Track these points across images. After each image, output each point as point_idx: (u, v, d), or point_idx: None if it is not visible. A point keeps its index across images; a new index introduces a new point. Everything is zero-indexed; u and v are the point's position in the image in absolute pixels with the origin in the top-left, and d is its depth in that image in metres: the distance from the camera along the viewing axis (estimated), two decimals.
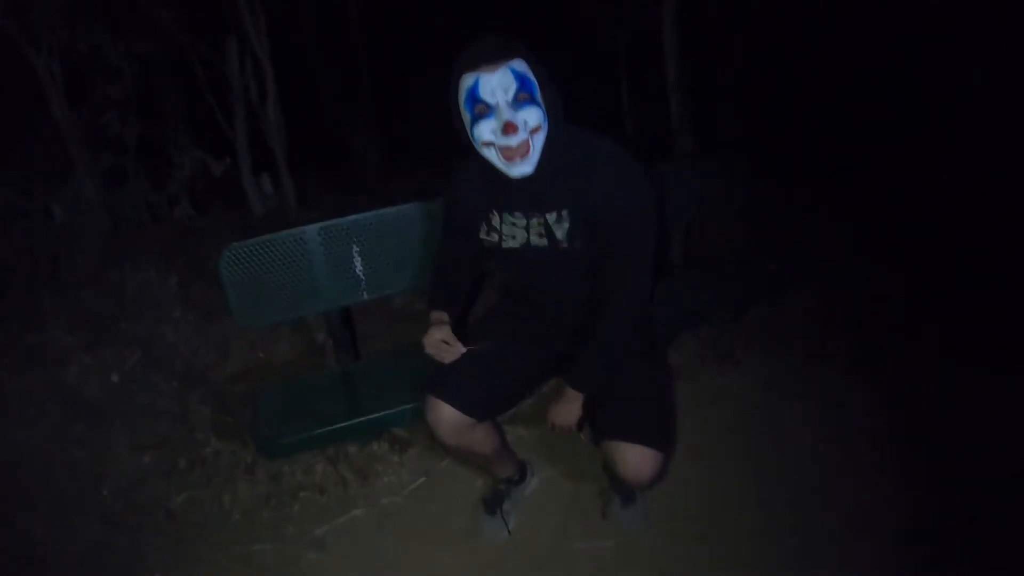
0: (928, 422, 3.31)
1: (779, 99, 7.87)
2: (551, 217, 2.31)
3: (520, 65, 2.13)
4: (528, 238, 2.36)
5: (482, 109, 2.14)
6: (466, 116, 2.20)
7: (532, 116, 2.15)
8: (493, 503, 2.95)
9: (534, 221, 2.34)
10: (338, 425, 2.88)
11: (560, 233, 2.31)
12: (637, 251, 2.33)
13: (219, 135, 6.83)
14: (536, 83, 2.16)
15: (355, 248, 3.18)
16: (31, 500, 3.28)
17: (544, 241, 2.35)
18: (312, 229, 3.15)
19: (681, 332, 4.10)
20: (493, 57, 2.11)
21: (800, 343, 4.09)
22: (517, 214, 2.36)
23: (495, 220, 2.42)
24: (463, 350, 2.42)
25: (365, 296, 3.28)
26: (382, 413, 2.92)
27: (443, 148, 3.13)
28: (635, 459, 2.34)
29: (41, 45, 5.53)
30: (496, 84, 2.10)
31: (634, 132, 9.11)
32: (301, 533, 3.03)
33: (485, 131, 2.17)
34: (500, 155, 2.20)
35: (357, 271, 3.20)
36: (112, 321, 4.47)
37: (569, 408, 2.47)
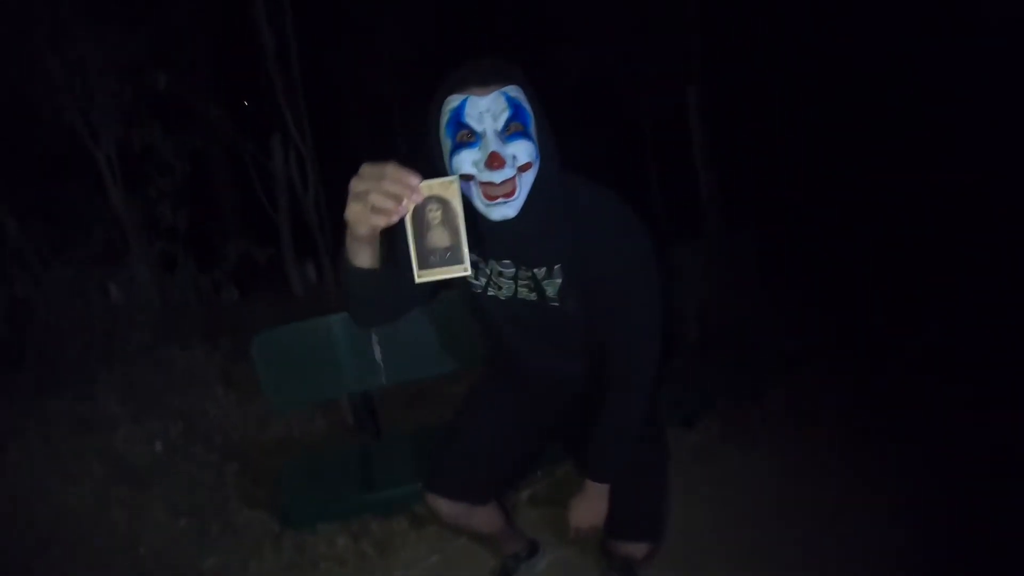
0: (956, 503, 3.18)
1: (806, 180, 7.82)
2: (540, 272, 1.95)
3: (515, 92, 1.73)
4: (516, 289, 2.02)
5: (465, 136, 1.71)
6: (446, 144, 1.76)
7: (523, 151, 1.72)
8: None
9: (522, 272, 1.96)
10: (354, 499, 3.04)
11: (551, 290, 1.98)
12: (644, 320, 2.05)
13: (265, 221, 7.12)
14: (531, 115, 1.76)
15: (375, 337, 3.35)
16: (72, 553, 3.44)
17: (533, 296, 2.02)
18: (336, 318, 3.34)
19: (699, 412, 4.06)
20: (486, 79, 1.71)
21: (821, 421, 4.02)
22: (505, 261, 1.97)
23: (483, 264, 2.02)
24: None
25: (384, 381, 3.44)
26: (397, 490, 3.07)
27: None
28: (630, 549, 2.39)
29: (101, 140, 5.81)
30: (485, 109, 1.69)
31: (663, 209, 9.17)
32: None
33: (466, 162, 1.72)
34: (480, 193, 1.74)
35: (376, 358, 3.37)
36: (159, 394, 4.66)
37: (594, 506, 2.23)
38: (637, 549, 2.39)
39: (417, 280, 1.52)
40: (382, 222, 1.49)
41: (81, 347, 5.32)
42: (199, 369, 4.95)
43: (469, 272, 1.54)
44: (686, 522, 3.18)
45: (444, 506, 2.43)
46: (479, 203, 1.75)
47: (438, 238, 1.51)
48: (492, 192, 1.72)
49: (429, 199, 1.50)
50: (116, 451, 4.21)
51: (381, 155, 1.56)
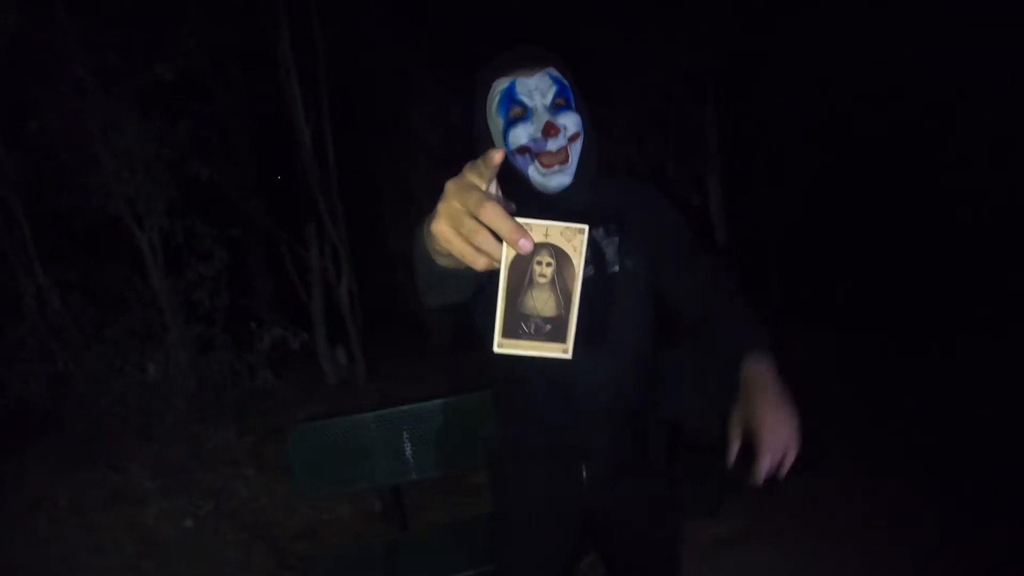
0: None
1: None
2: (598, 233, 1.87)
3: (557, 72, 1.81)
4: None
5: (519, 112, 1.78)
6: (498, 122, 1.82)
7: (572, 122, 1.78)
8: None
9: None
10: None
11: (611, 251, 1.87)
12: (713, 258, 1.96)
13: (300, 308, 7.25)
14: (572, 92, 1.83)
15: (405, 434, 3.42)
16: None
17: (591, 269, 1.84)
18: (368, 417, 3.42)
19: (721, 501, 4.06)
20: (530, 62, 1.80)
21: (839, 515, 3.97)
22: None
23: None
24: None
25: (414, 476, 3.50)
26: None
27: None
28: None
29: (144, 227, 5.99)
30: (534, 87, 1.77)
31: None
32: None
33: (522, 135, 1.78)
34: (537, 164, 1.78)
35: (407, 455, 3.43)
36: (191, 472, 4.73)
37: (782, 406, 1.62)
38: None
39: (496, 350, 1.10)
40: (480, 264, 0.98)
41: (117, 422, 5.42)
42: (230, 449, 5.05)
43: (569, 356, 1.10)
44: None
45: None
46: (536, 175, 1.78)
47: (541, 304, 1.08)
48: (549, 161, 1.76)
49: (541, 247, 1.03)
50: (146, 525, 4.30)
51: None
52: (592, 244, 1.79)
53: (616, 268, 1.85)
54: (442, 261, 1.18)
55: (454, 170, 1.03)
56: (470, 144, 1.85)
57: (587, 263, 1.22)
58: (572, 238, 1.03)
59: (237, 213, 6.83)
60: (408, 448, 3.42)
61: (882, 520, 3.87)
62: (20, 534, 4.26)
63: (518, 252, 0.98)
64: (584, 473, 1.97)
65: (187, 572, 3.91)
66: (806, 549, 3.69)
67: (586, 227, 1.03)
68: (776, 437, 1.58)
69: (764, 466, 1.58)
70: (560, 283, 1.06)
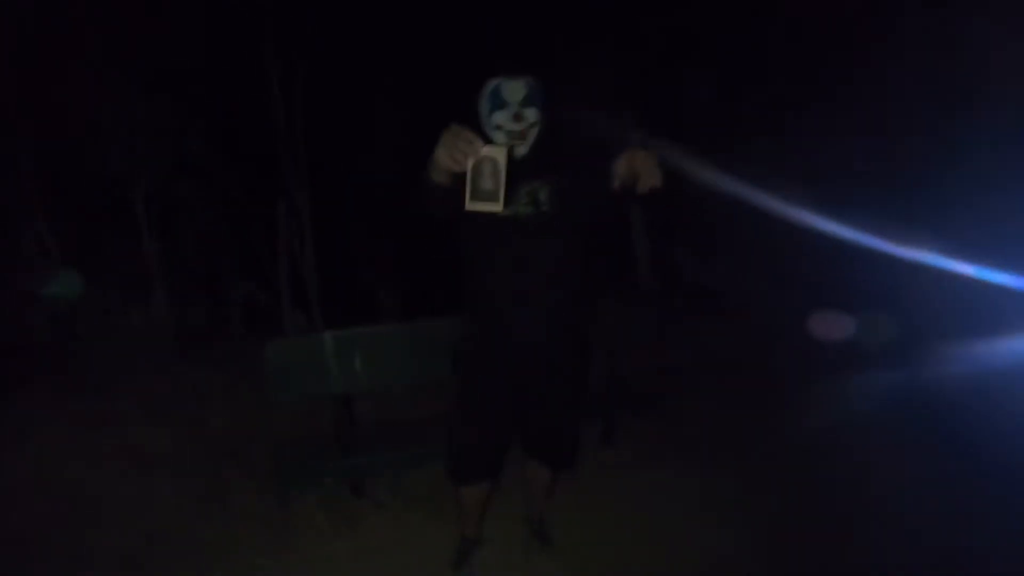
0: None
1: None
2: (537, 184, 2.56)
3: (530, 82, 2.56)
4: (516, 209, 2.54)
5: (500, 103, 2.54)
6: (485, 108, 2.58)
7: (532, 115, 2.55)
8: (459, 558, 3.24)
9: (522, 192, 2.54)
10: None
11: (543, 195, 2.56)
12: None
13: (269, 273, 7.65)
14: (538, 96, 2.57)
15: (357, 352, 3.88)
16: (88, 522, 3.82)
17: (530, 208, 2.56)
18: (327, 336, 3.89)
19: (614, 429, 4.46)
20: (513, 72, 2.56)
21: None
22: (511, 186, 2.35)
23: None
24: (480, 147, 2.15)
25: (364, 387, 4.00)
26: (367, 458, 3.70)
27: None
28: (546, 475, 3.12)
29: (138, 190, 6.38)
30: (513, 89, 2.53)
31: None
32: None
33: (499, 117, 2.55)
34: (507, 138, 2.55)
35: (357, 368, 3.88)
36: (171, 402, 5.13)
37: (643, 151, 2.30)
38: (543, 471, 3.10)
39: (467, 207, 2.11)
40: (456, 167, 2.09)
41: (108, 360, 5.77)
42: (205, 383, 5.40)
43: (500, 209, 2.13)
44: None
45: (469, 492, 2.99)
46: (506, 144, 2.46)
47: (487, 182, 2.10)
48: (514, 138, 2.56)
49: (485, 158, 2.09)
50: (132, 444, 4.62)
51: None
52: (532, 192, 2.55)
53: (546, 208, 2.57)
54: (437, 177, 2.21)
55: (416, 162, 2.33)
56: (465, 117, 2.41)
57: (513, 178, 2.19)
58: (501, 152, 2.09)
59: (218, 185, 7.22)
60: (358, 363, 3.86)
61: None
62: (20, 450, 4.53)
63: (475, 157, 2.06)
64: (524, 330, 2.66)
65: (168, 481, 4.20)
66: (683, 471, 4.12)
67: (505, 148, 2.12)
68: (633, 155, 2.26)
69: (619, 168, 2.30)
70: (495, 173, 2.09)
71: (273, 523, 3.74)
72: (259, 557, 3.46)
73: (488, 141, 2.27)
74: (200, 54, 6.72)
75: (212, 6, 6.69)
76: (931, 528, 3.22)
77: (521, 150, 2.60)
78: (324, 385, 3.86)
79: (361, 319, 5.19)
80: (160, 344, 6.09)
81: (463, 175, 2.12)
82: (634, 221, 8.03)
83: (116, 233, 6.74)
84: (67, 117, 6.26)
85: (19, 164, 6.39)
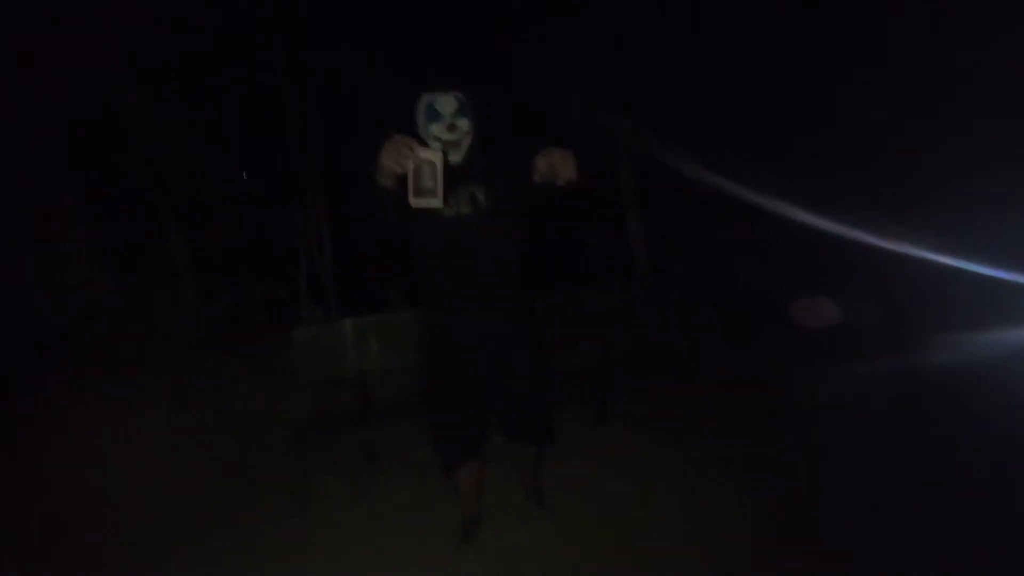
0: None
1: None
2: (475, 185, 2.80)
3: (460, 96, 2.82)
4: (458, 209, 2.78)
5: (434, 115, 2.79)
6: (422, 120, 2.82)
7: (464, 125, 2.81)
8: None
9: (462, 191, 2.78)
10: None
11: (480, 195, 2.79)
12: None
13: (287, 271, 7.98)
14: (468, 108, 2.83)
15: (372, 336, 4.17)
16: (115, 497, 4.08)
17: (470, 208, 2.79)
18: (346, 322, 4.23)
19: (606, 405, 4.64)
20: (444, 89, 2.82)
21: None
22: (451, 190, 2.64)
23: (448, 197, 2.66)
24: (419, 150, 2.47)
25: (379, 367, 4.27)
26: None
27: None
28: (531, 452, 3.25)
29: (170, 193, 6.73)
30: (445, 102, 2.79)
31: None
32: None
33: (435, 129, 2.79)
34: (441, 147, 2.71)
35: (373, 351, 4.17)
36: (197, 386, 5.41)
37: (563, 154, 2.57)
38: (528, 448, 3.22)
39: (412, 204, 2.40)
40: (398, 168, 2.41)
41: (140, 349, 6.09)
42: (229, 371, 5.70)
43: (440, 205, 2.44)
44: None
45: (461, 475, 3.14)
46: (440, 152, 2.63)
47: (426, 181, 2.39)
48: (448, 147, 2.78)
49: (423, 160, 2.39)
50: (160, 425, 4.95)
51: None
52: (471, 194, 2.79)
53: (484, 206, 2.80)
54: (383, 181, 2.49)
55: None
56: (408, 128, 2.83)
57: (451, 181, 2.49)
58: (437, 155, 2.40)
59: (239, 189, 7.55)
60: (373, 346, 4.16)
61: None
62: (58, 434, 4.86)
63: (415, 161, 2.36)
64: (475, 316, 2.86)
65: (196, 459, 4.49)
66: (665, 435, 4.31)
67: (439, 152, 2.42)
68: (549, 153, 2.54)
69: (538, 163, 2.56)
70: (433, 174, 2.38)
71: (294, 493, 3.94)
72: (281, 524, 3.65)
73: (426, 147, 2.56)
74: (221, 65, 7.09)
75: (231, 18, 7.05)
76: (926, 503, 3.25)
77: (456, 157, 2.82)
78: (343, 366, 4.16)
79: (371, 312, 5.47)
80: (187, 335, 6.41)
81: (406, 178, 2.42)
82: (628, 208, 8.29)
83: (146, 233, 7.08)
84: (99, 125, 6.62)
85: (55, 168, 6.73)
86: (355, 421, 4.00)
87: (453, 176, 2.58)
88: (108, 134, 6.72)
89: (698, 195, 7.93)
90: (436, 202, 2.41)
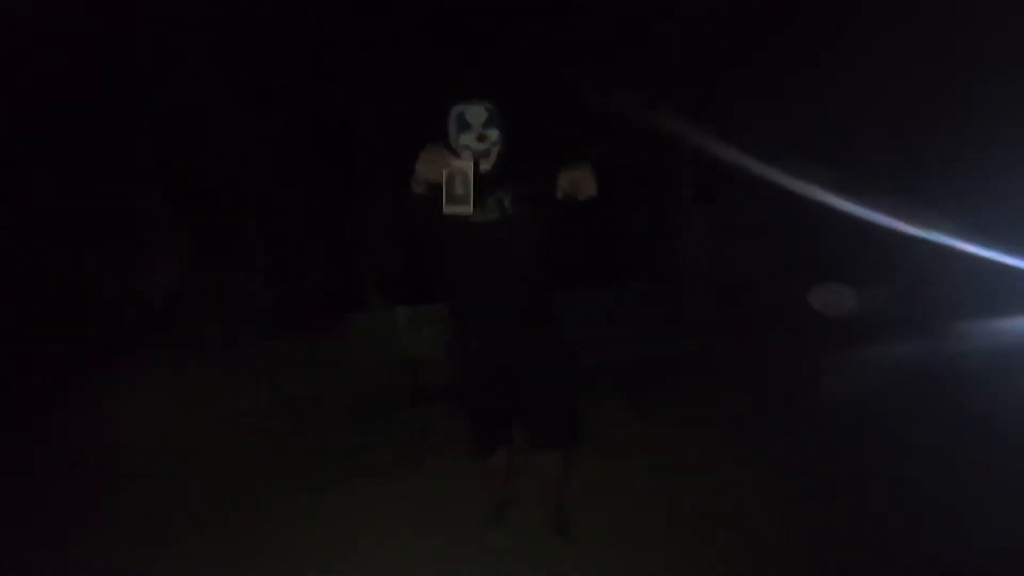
0: None
1: None
2: (503, 191, 2.79)
3: (489, 106, 2.81)
4: (486, 215, 2.78)
5: (465, 125, 2.79)
6: (453, 130, 2.82)
7: (494, 135, 2.80)
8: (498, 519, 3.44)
9: (490, 201, 2.79)
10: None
11: (507, 201, 2.79)
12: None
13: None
14: (497, 118, 2.82)
15: (425, 323, 4.38)
16: (165, 468, 4.35)
17: (496, 214, 2.80)
18: (402, 309, 4.48)
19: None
20: (475, 100, 2.81)
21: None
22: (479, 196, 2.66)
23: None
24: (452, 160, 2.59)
25: (428, 351, 4.49)
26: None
27: None
28: (549, 460, 3.15)
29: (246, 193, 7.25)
30: (474, 113, 2.79)
31: None
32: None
33: (465, 138, 2.78)
34: (471, 156, 2.70)
35: (425, 336, 4.37)
36: (266, 361, 5.72)
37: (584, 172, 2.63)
38: (553, 459, 3.15)
39: (444, 211, 2.48)
40: (433, 177, 2.50)
41: (215, 330, 6.52)
42: (294, 352, 5.98)
43: (471, 212, 2.50)
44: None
45: (491, 464, 3.24)
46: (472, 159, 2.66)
47: (459, 189, 2.48)
48: (478, 156, 2.73)
49: (457, 169, 2.48)
50: (229, 393, 5.28)
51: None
52: (498, 201, 2.79)
53: (511, 211, 2.80)
54: (417, 188, 2.60)
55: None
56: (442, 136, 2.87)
57: (480, 188, 2.55)
58: (469, 165, 2.47)
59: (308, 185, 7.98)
60: (425, 332, 4.38)
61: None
62: (135, 405, 5.13)
63: (450, 170, 2.45)
64: (496, 316, 2.90)
65: (258, 432, 4.74)
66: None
67: (471, 162, 2.50)
68: (572, 172, 2.60)
69: (562, 181, 2.63)
70: (464, 182, 2.45)
71: (348, 467, 4.15)
72: (333, 495, 3.81)
73: (458, 157, 2.65)
74: (290, 70, 7.53)
75: (303, 30, 7.45)
76: (943, 496, 3.36)
77: (485, 165, 2.80)
78: (397, 350, 4.39)
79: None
80: (259, 319, 6.77)
81: (438, 185, 2.51)
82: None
83: (224, 225, 7.53)
84: (181, 128, 7.18)
85: (140, 163, 7.30)
86: (405, 400, 4.20)
87: (482, 183, 2.66)
88: (192, 136, 7.23)
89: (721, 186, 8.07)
90: (467, 209, 2.50)
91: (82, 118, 6.86)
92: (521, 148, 2.96)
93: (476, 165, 2.55)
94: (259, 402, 5.25)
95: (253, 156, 7.38)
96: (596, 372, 4.40)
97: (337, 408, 4.93)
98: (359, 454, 4.26)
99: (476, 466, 3.31)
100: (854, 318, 6.12)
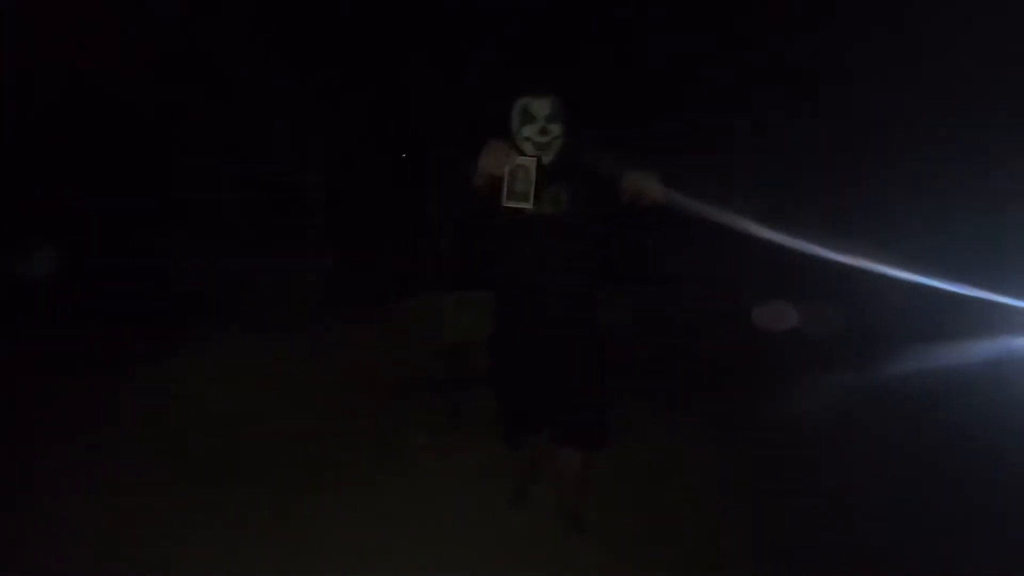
0: None
1: None
2: (559, 188, 2.84)
3: (554, 100, 2.86)
4: (542, 208, 2.80)
5: (529, 118, 2.84)
6: (516, 123, 2.88)
7: (556, 128, 2.85)
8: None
9: (547, 195, 2.81)
10: None
11: (564, 197, 2.84)
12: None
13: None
14: (560, 113, 2.87)
15: (467, 310, 4.56)
16: (227, 444, 4.57)
17: (552, 208, 2.83)
18: (449, 296, 4.66)
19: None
20: (539, 92, 2.87)
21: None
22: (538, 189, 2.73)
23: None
24: (515, 157, 2.70)
25: (469, 337, 4.57)
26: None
27: None
28: (577, 461, 3.15)
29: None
30: (539, 106, 2.84)
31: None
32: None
33: (528, 131, 2.84)
34: (534, 149, 2.83)
35: (467, 323, 4.54)
36: (325, 343, 5.92)
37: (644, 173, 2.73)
38: (577, 458, 3.14)
39: (504, 205, 2.64)
40: (496, 172, 2.64)
41: (280, 311, 6.89)
42: (350, 335, 6.25)
43: (530, 207, 2.65)
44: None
45: (523, 452, 3.38)
46: (534, 154, 2.81)
47: (520, 185, 2.62)
48: (540, 149, 2.85)
49: (519, 164, 2.62)
50: (289, 375, 5.46)
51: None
52: (554, 196, 2.84)
53: (566, 208, 2.86)
54: (479, 181, 2.69)
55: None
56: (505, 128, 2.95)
57: (539, 183, 2.66)
58: (532, 161, 2.63)
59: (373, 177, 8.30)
60: (467, 319, 4.51)
61: None
62: (196, 378, 5.38)
63: (510, 165, 2.60)
64: (545, 312, 2.93)
65: (305, 410, 4.92)
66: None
67: (534, 159, 2.66)
68: (638, 177, 2.69)
69: (627, 183, 2.71)
70: (526, 178, 2.62)
71: (387, 448, 4.27)
72: (372, 473, 3.90)
73: (520, 152, 2.75)
74: (361, 70, 7.85)
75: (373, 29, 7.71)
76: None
77: (546, 159, 2.85)
78: (441, 334, 4.54)
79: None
80: (321, 301, 7.11)
81: (499, 179, 2.63)
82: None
83: (293, 212, 7.87)
84: (252, 124, 7.59)
85: (213, 156, 7.78)
86: (445, 384, 4.36)
87: (540, 176, 2.70)
88: (263, 129, 7.62)
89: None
90: (527, 204, 2.63)
91: (159, 113, 7.33)
92: (583, 146, 2.99)
93: (539, 162, 2.68)
94: (310, 378, 5.47)
95: (320, 148, 7.73)
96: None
97: (379, 391, 5.09)
98: (399, 439, 4.38)
99: (504, 451, 3.42)
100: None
